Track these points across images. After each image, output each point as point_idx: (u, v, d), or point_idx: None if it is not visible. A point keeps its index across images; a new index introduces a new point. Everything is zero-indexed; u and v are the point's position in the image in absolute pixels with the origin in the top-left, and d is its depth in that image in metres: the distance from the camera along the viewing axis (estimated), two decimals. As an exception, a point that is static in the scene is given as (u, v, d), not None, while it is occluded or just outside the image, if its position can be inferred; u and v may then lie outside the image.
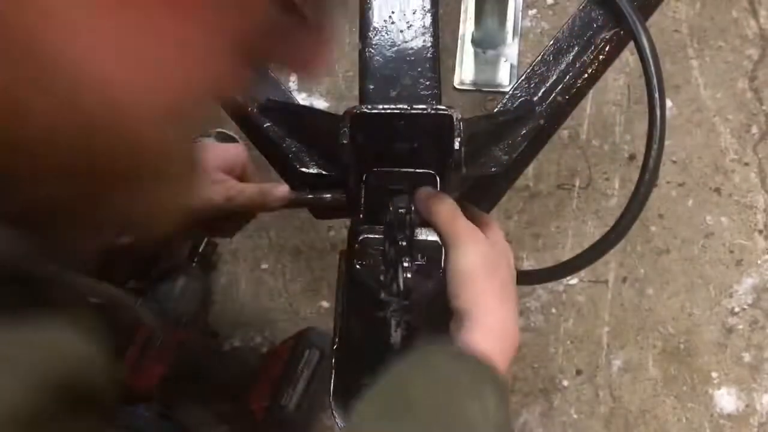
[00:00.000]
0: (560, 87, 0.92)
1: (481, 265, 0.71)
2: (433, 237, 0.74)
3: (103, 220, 0.42)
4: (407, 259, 0.67)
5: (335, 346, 0.85)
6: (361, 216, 0.78)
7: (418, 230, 0.74)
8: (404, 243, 0.68)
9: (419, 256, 0.74)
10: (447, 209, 0.74)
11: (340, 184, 0.84)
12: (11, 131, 0.33)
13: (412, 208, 0.72)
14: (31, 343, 0.43)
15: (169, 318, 1.30)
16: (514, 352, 0.72)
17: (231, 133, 1.48)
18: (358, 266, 0.73)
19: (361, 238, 0.75)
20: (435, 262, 0.73)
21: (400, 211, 0.71)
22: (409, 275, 0.66)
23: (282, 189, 0.88)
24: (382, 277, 0.72)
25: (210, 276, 1.43)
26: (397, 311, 0.71)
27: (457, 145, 0.72)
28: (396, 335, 0.72)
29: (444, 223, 0.73)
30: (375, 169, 0.81)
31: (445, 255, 0.72)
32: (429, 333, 0.75)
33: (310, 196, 0.88)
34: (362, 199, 0.79)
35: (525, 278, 1.06)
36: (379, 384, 0.66)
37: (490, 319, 0.71)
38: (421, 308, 0.72)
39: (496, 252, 0.74)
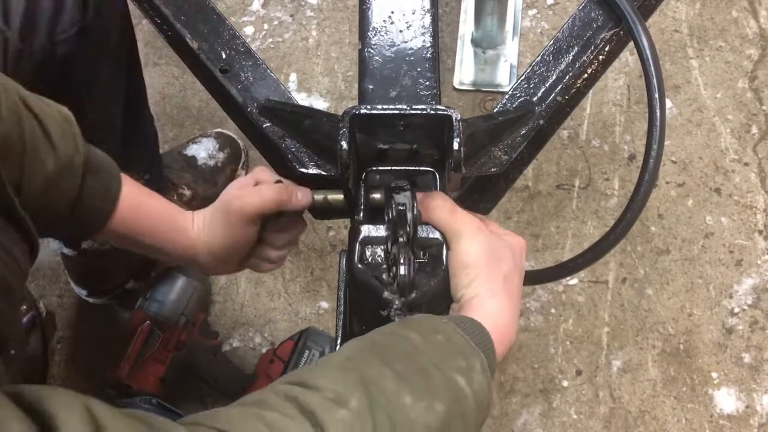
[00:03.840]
0: (560, 87, 0.92)
1: (483, 254, 0.72)
2: (434, 234, 0.74)
3: None
4: (409, 254, 0.66)
5: (338, 347, 0.85)
6: (361, 215, 0.78)
7: (419, 228, 0.74)
8: (406, 239, 0.68)
9: (421, 253, 0.74)
10: (444, 204, 0.75)
11: (339, 184, 0.84)
12: None
13: (414, 205, 0.72)
14: None
15: (169, 318, 1.30)
16: (509, 343, 0.72)
17: (230, 133, 1.48)
18: (359, 266, 0.73)
19: (361, 237, 0.75)
20: (437, 259, 0.73)
21: (400, 208, 0.70)
22: (412, 271, 0.66)
23: (305, 191, 0.88)
24: (384, 276, 0.71)
25: (210, 276, 1.43)
26: (400, 309, 0.70)
27: (456, 146, 0.72)
28: None
29: (443, 218, 0.74)
30: (374, 169, 0.81)
31: (448, 248, 0.72)
32: None
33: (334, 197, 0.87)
34: (362, 199, 0.79)
35: (525, 278, 1.06)
36: (375, 331, 0.67)
37: (490, 305, 0.71)
38: (424, 306, 0.72)
39: (499, 243, 0.74)
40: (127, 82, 1.13)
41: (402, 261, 0.67)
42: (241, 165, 1.48)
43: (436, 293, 0.72)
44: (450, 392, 0.62)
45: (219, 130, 1.49)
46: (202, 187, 1.41)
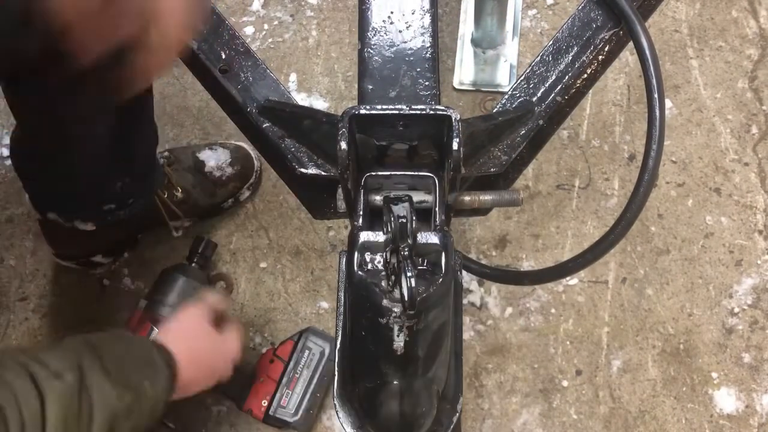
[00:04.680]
0: (559, 87, 0.92)
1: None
2: (434, 240, 0.74)
3: None
4: (410, 268, 0.65)
5: (338, 347, 0.85)
6: (360, 221, 0.78)
7: (419, 235, 0.73)
8: (406, 252, 0.67)
9: (420, 260, 0.73)
10: None
11: (338, 185, 0.84)
12: None
13: (413, 216, 0.71)
14: None
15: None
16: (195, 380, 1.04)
17: (249, 150, 1.46)
18: (359, 273, 0.72)
19: (360, 243, 0.74)
20: (436, 266, 0.73)
21: (401, 220, 0.70)
22: (413, 284, 0.65)
23: None
24: (383, 283, 0.71)
25: (210, 276, 1.43)
26: (399, 317, 0.70)
27: (456, 146, 0.72)
28: (399, 340, 0.72)
29: None
30: (373, 174, 0.80)
31: None
32: (431, 336, 0.75)
33: None
34: (361, 204, 0.79)
35: (525, 278, 1.06)
36: (97, 334, 0.91)
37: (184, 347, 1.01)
38: (424, 313, 0.71)
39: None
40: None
41: (403, 275, 0.66)
42: (247, 185, 1.47)
43: (436, 300, 0.72)
44: (136, 391, 0.87)
45: (240, 144, 1.47)
46: (199, 194, 1.41)
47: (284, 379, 1.30)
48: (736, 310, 1.41)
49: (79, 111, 1.02)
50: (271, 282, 1.45)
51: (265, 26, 1.64)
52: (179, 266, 1.36)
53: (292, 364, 1.31)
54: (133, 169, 1.23)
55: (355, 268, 0.73)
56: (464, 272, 1.05)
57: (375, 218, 0.79)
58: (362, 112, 0.74)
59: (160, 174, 1.34)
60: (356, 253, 0.73)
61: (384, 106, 0.75)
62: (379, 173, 0.80)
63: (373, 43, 0.92)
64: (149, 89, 1.16)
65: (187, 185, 1.39)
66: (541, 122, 0.91)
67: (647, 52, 0.86)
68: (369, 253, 0.74)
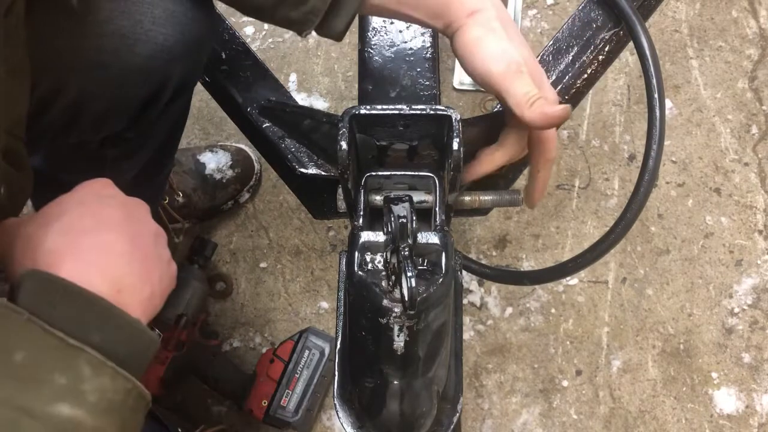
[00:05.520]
0: (559, 87, 0.92)
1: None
2: (434, 240, 0.74)
3: None
4: (410, 268, 0.65)
5: (338, 347, 0.85)
6: (360, 221, 0.78)
7: (419, 235, 0.73)
8: (407, 252, 0.67)
9: (420, 260, 0.73)
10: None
11: (338, 185, 0.84)
12: None
13: (413, 217, 0.71)
14: None
15: (169, 318, 1.30)
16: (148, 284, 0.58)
17: (249, 153, 1.47)
18: (359, 273, 0.72)
19: (361, 243, 0.74)
20: (436, 266, 0.73)
21: (401, 220, 0.70)
22: (413, 284, 0.65)
23: None
24: (383, 283, 0.71)
25: (210, 276, 1.43)
26: (399, 317, 0.70)
27: (456, 146, 0.72)
28: (399, 340, 0.72)
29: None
30: (374, 174, 0.80)
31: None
32: (431, 336, 0.74)
33: None
34: (361, 204, 0.79)
35: (525, 278, 1.06)
36: None
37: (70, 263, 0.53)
38: (424, 313, 0.71)
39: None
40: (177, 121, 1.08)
41: (403, 275, 0.66)
42: (247, 188, 1.47)
43: (436, 300, 0.72)
44: None
45: (241, 146, 1.47)
46: (200, 196, 1.41)
47: (284, 379, 1.30)
48: (736, 310, 1.41)
49: (127, 173, 1.03)
50: (271, 282, 1.45)
51: (265, 26, 1.64)
52: (179, 266, 1.36)
53: (292, 364, 1.31)
54: (146, 195, 1.23)
55: (355, 268, 0.72)
56: (464, 272, 1.05)
57: (375, 218, 0.79)
58: (362, 112, 0.74)
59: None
60: (356, 253, 0.73)
61: (384, 106, 0.75)
62: (380, 173, 0.80)
63: (373, 43, 0.92)
64: (179, 137, 1.13)
65: (188, 189, 1.39)
66: (541, 122, 0.90)
67: (647, 52, 0.86)
68: (369, 253, 0.74)
